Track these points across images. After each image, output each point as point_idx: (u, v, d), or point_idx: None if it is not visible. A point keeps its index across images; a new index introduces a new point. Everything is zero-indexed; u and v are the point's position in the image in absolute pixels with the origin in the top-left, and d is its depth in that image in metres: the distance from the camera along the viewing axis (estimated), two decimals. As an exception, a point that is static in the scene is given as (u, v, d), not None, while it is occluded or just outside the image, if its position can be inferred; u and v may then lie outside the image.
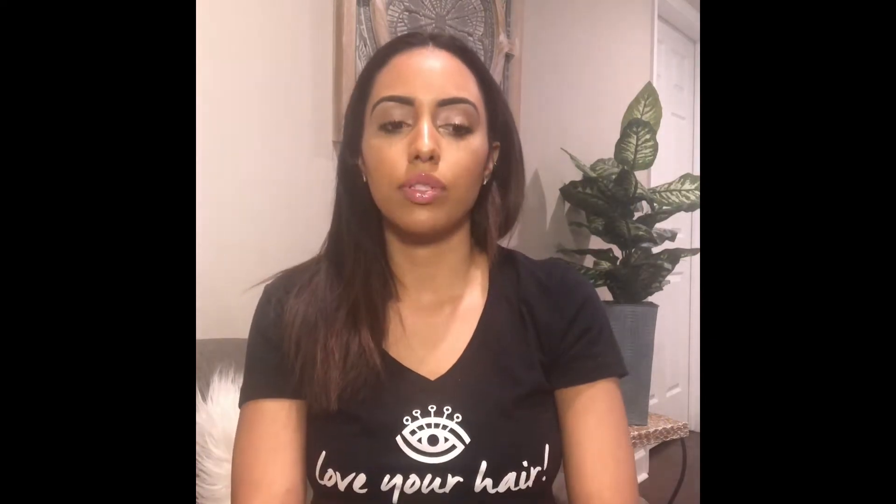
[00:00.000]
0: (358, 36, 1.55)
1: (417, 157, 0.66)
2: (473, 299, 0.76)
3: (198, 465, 1.02)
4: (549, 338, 0.73)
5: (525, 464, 0.66)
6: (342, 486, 0.66)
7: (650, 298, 2.20)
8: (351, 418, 0.68)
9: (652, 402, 2.70)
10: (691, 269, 3.42)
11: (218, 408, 1.05)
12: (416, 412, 0.68)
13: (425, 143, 0.65)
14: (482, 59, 0.77)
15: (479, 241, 0.78)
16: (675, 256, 2.13)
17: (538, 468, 0.67)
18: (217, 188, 1.33)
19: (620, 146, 2.10)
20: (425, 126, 0.66)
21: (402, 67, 0.69)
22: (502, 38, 1.98)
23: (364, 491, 0.65)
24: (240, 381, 1.07)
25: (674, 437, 2.18)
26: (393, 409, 0.68)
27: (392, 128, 0.68)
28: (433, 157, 0.66)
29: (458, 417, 0.67)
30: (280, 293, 0.75)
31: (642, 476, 2.90)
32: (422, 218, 0.67)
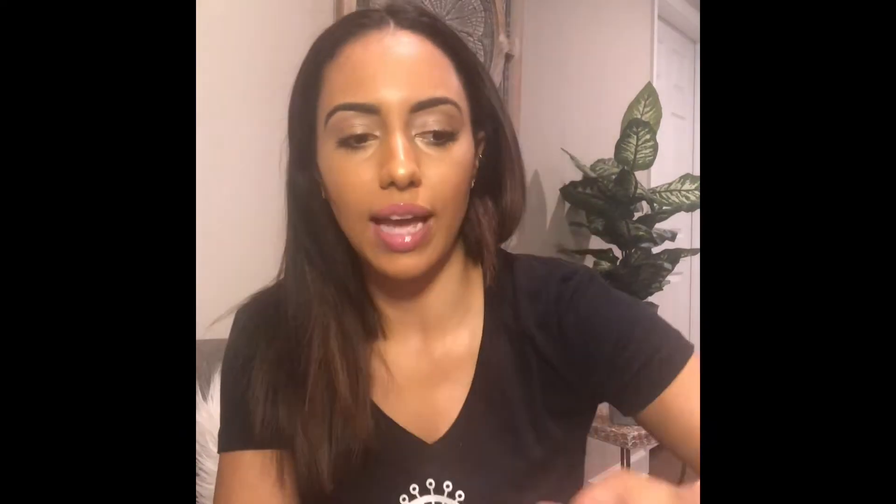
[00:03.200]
0: (358, 36, 1.55)
1: (392, 183, 0.52)
2: (469, 334, 0.62)
3: (198, 465, 1.03)
4: (570, 376, 0.61)
5: None
6: None
7: (650, 298, 2.20)
8: (341, 497, 0.59)
9: (652, 402, 2.70)
10: (691, 269, 3.42)
11: (218, 407, 1.05)
12: (414, 488, 0.59)
13: (401, 166, 0.51)
14: (479, 55, 0.61)
15: (473, 252, 0.63)
16: (675, 256, 2.13)
17: None
18: (217, 188, 1.34)
19: (620, 146, 2.10)
20: (399, 141, 0.52)
21: (359, 62, 0.54)
22: (502, 38, 1.98)
23: None
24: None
25: (674, 437, 2.17)
26: (388, 486, 0.59)
27: (355, 142, 0.54)
28: (413, 182, 0.52)
29: (460, 496, 0.58)
30: (245, 342, 0.63)
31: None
32: (406, 265, 0.54)
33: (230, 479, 0.62)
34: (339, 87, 0.54)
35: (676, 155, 3.27)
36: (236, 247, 1.37)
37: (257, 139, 1.41)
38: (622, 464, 2.29)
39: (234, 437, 0.63)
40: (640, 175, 2.20)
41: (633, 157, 2.09)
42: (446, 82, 0.55)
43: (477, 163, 0.60)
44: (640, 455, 2.87)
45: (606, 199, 2.13)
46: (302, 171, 0.60)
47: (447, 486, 0.58)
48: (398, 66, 0.53)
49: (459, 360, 0.62)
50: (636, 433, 2.07)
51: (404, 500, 0.59)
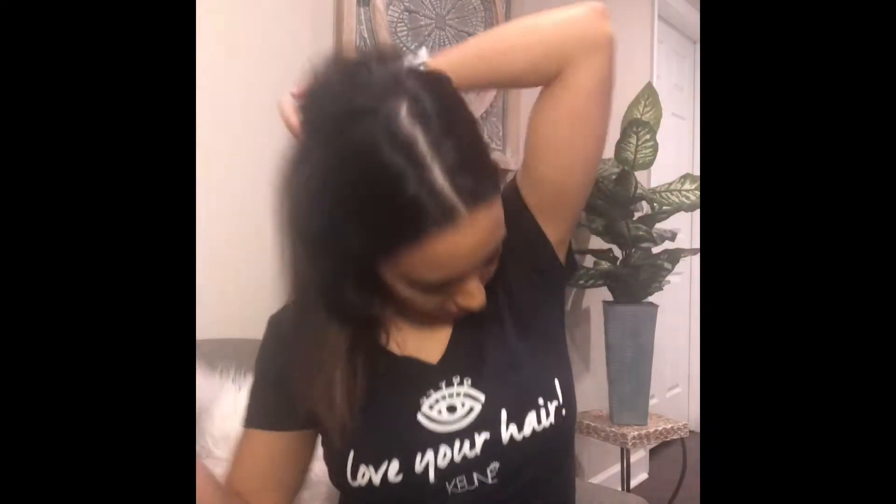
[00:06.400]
0: (358, 36, 1.55)
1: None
2: None
3: (198, 465, 1.02)
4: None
5: (541, 400, 0.68)
6: (377, 479, 0.66)
7: (650, 298, 2.20)
8: (369, 416, 0.69)
9: (652, 402, 2.70)
10: (691, 269, 3.42)
11: (218, 408, 1.05)
12: (430, 391, 0.69)
13: (480, 304, 0.64)
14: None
15: None
16: (675, 256, 2.13)
17: (555, 402, 0.68)
18: (217, 189, 1.33)
19: (620, 146, 2.10)
20: (475, 284, 0.64)
21: (444, 255, 0.58)
22: (502, 38, 1.98)
23: (399, 478, 0.66)
24: (240, 381, 1.07)
25: (674, 437, 2.18)
26: (407, 395, 0.69)
27: (431, 289, 0.63)
28: None
29: (468, 381, 0.69)
30: (281, 330, 0.75)
31: (642, 476, 2.90)
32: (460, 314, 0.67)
33: (237, 449, 0.75)
34: (424, 268, 0.59)
35: (676, 155, 3.27)
36: (237, 249, 1.37)
37: (258, 142, 1.41)
38: (622, 463, 2.29)
39: (248, 416, 0.76)
40: (640, 175, 2.20)
41: (633, 157, 2.09)
42: (500, 227, 0.62)
43: None
44: (639, 455, 2.87)
45: (606, 199, 2.13)
46: (359, 294, 0.67)
47: (456, 380, 0.69)
48: (477, 249, 0.60)
49: None
50: (636, 433, 2.07)
51: (423, 400, 0.69)
